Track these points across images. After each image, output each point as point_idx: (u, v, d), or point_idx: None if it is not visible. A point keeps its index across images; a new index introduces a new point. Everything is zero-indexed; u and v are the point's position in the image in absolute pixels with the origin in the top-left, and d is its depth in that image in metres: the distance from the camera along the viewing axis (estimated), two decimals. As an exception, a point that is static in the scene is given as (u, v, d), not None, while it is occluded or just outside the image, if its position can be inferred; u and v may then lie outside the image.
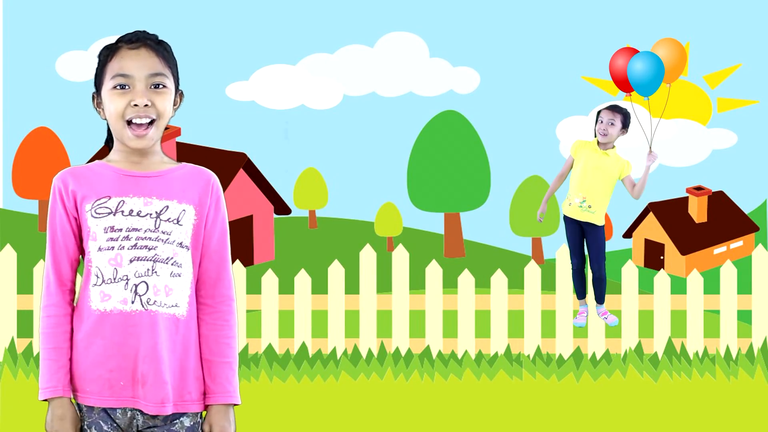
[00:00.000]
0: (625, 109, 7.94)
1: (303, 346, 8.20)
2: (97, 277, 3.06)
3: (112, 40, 3.41)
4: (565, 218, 8.10)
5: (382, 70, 10.20)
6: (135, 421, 3.12)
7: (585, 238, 8.07)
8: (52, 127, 9.85)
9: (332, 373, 7.99)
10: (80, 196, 3.09)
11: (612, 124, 7.90)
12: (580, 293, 8.27)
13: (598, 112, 8.05)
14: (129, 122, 3.11)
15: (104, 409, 3.10)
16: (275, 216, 10.19)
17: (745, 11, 9.96)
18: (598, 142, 7.94)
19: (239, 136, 9.64)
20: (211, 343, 3.14)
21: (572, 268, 8.21)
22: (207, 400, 3.13)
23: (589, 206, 7.89)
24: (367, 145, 10.10)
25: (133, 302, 3.06)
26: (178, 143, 9.95)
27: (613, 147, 7.94)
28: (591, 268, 8.08)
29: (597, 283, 8.12)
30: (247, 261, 9.87)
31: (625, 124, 7.89)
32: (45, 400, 3.08)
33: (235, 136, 9.83)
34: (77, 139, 9.75)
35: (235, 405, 3.16)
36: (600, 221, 7.96)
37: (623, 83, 8.00)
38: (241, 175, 9.95)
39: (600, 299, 8.23)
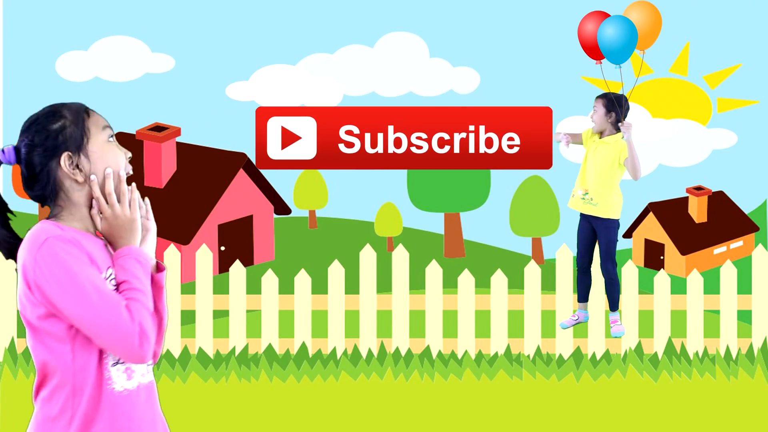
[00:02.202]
0: (608, 94, 7.81)
1: (303, 346, 8.20)
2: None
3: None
4: (580, 215, 8.01)
5: (382, 70, 10.20)
6: None
7: (596, 235, 7.93)
8: (52, 127, 9.85)
9: (332, 373, 7.99)
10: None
11: (595, 111, 7.85)
12: (580, 295, 8.16)
13: None
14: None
15: None
16: (275, 216, 10.19)
17: (745, 11, 9.96)
18: (599, 133, 7.89)
19: (239, 136, 9.64)
20: None
21: (578, 268, 8.09)
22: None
23: (591, 198, 7.76)
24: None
25: (148, 372, 2.86)
26: (178, 143, 9.95)
27: (615, 134, 7.80)
28: (600, 269, 7.97)
29: (608, 286, 7.95)
30: (247, 261, 9.88)
31: (610, 108, 7.75)
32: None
33: (235, 136, 9.82)
34: (77, 139, 9.76)
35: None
36: (606, 213, 7.77)
37: (592, 50, 7.78)
38: (241, 175, 9.95)
39: (612, 305, 8.03)
